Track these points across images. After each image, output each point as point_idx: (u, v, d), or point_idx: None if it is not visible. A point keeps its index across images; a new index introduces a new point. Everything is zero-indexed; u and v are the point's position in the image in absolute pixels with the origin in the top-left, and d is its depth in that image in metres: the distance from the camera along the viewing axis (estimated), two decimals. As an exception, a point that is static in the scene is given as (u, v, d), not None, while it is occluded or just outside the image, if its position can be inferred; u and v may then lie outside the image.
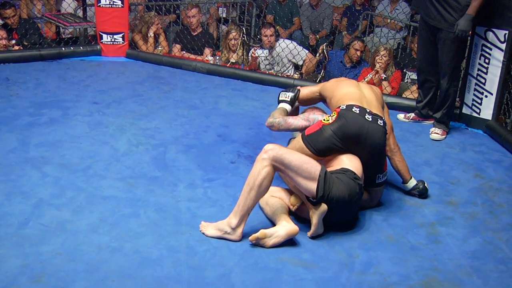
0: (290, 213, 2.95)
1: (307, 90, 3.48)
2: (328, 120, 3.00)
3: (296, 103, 3.50)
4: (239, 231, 2.76)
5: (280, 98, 3.48)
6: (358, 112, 2.96)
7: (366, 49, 6.48)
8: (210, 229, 2.81)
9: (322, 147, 2.98)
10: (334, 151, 2.99)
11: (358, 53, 5.68)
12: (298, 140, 3.06)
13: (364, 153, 2.97)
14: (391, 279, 2.60)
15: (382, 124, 2.99)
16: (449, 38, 4.10)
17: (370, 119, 2.96)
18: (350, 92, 3.12)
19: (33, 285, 2.37)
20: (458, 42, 4.10)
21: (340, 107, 3.02)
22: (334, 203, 2.77)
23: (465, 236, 3.00)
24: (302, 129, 3.22)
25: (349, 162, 2.93)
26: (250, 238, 2.72)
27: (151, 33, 6.13)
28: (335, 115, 2.99)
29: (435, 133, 4.33)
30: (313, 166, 2.79)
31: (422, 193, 3.36)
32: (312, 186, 2.75)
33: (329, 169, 2.91)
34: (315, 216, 2.77)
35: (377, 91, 3.30)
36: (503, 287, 2.61)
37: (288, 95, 3.45)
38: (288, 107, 3.42)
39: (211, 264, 2.60)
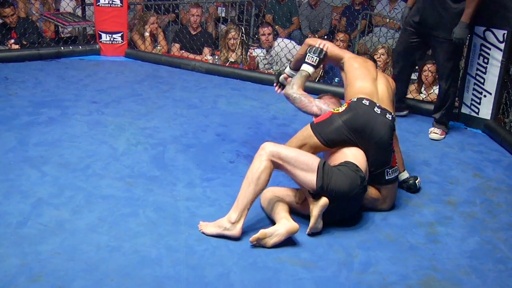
0: (292, 211, 2.95)
1: (334, 53, 3.38)
2: (338, 110, 3.04)
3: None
4: (239, 226, 2.76)
5: (307, 60, 3.35)
6: (367, 104, 3.03)
7: (365, 49, 6.48)
8: (209, 227, 2.81)
9: (330, 136, 3.00)
10: (342, 141, 3.00)
11: (341, 43, 5.69)
12: (306, 128, 3.08)
13: (370, 145, 2.99)
14: (390, 279, 2.60)
15: (390, 118, 3.04)
16: (446, 42, 4.12)
17: (379, 112, 3.02)
18: (363, 87, 3.15)
19: (31, 284, 2.36)
20: (454, 45, 4.12)
21: (351, 100, 3.08)
22: (334, 195, 2.77)
23: (464, 236, 3.00)
24: (311, 114, 3.28)
25: (353, 157, 2.94)
26: (250, 239, 2.72)
27: (146, 32, 6.13)
28: (346, 106, 3.05)
29: (434, 133, 4.33)
30: (310, 158, 2.83)
31: (410, 187, 3.40)
32: (311, 177, 2.76)
33: (331, 163, 2.92)
34: (316, 208, 2.78)
35: (392, 84, 3.35)
36: (501, 287, 2.61)
37: (315, 59, 3.34)
38: (312, 70, 3.36)
39: (210, 263, 2.60)
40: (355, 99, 3.07)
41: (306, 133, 3.05)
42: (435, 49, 4.28)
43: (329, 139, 3.00)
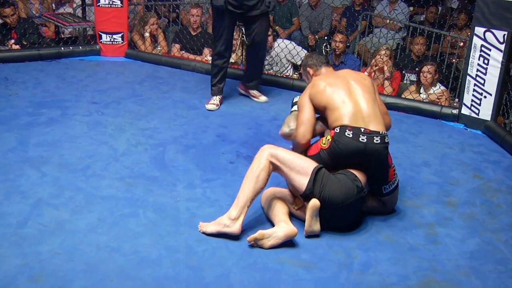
0: (291, 215, 2.95)
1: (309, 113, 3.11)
2: (325, 144, 2.96)
3: None
4: (238, 223, 2.76)
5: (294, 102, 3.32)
6: (351, 136, 2.87)
7: (365, 50, 6.49)
8: (209, 226, 2.82)
9: None
10: (336, 169, 2.96)
11: (339, 44, 5.70)
12: None
13: (365, 170, 2.95)
14: (389, 280, 2.60)
15: (379, 141, 2.89)
16: (265, 14, 4.61)
17: (365, 140, 2.87)
18: (345, 106, 2.93)
19: (32, 285, 2.36)
20: (267, 15, 4.68)
21: (335, 130, 2.92)
22: (328, 201, 2.77)
23: (464, 237, 3.00)
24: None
25: (354, 168, 2.93)
26: (248, 239, 2.72)
27: (146, 33, 6.13)
28: (330, 140, 2.93)
29: (262, 96, 4.92)
30: (307, 162, 2.84)
31: None
32: (305, 181, 2.78)
33: (331, 172, 2.91)
34: (308, 211, 2.78)
35: (368, 84, 3.06)
36: (501, 288, 2.62)
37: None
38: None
39: (210, 264, 2.60)
40: (338, 130, 2.90)
41: None
42: (255, 28, 4.60)
43: None
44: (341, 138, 2.88)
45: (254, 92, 4.96)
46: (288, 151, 2.92)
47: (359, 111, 2.94)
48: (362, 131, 2.88)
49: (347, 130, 2.88)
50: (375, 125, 2.93)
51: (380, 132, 2.92)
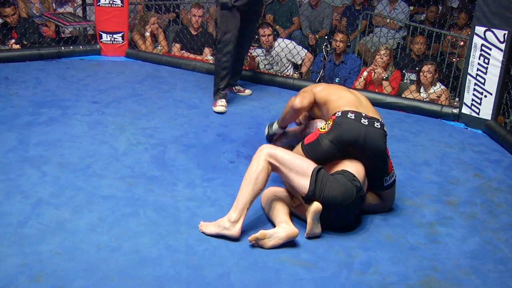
0: (291, 214, 2.95)
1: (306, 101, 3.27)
2: (325, 129, 2.97)
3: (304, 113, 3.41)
4: (238, 226, 2.76)
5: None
6: (353, 117, 2.94)
7: (366, 49, 6.48)
8: (209, 227, 2.82)
9: (320, 157, 2.96)
10: (334, 158, 2.98)
11: (340, 44, 5.69)
12: (298, 149, 3.08)
13: (365, 157, 2.96)
14: (390, 279, 2.60)
15: (379, 127, 2.97)
16: (260, 10, 4.85)
17: (366, 123, 2.93)
18: (345, 97, 3.09)
19: (32, 284, 2.37)
20: (261, 11, 4.82)
21: (336, 114, 2.98)
22: (328, 202, 2.77)
23: (464, 236, 3.00)
24: (300, 133, 3.28)
25: (351, 166, 2.92)
26: (249, 238, 2.72)
27: (147, 33, 6.13)
28: (331, 123, 2.96)
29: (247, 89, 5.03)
30: (306, 163, 2.84)
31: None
32: (305, 182, 2.77)
33: (328, 172, 2.91)
34: (309, 215, 2.78)
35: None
36: (502, 287, 2.61)
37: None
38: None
39: (210, 263, 2.60)
40: (340, 114, 2.97)
41: (300, 152, 3.04)
42: (250, 22, 4.62)
43: (320, 159, 2.96)
44: (343, 120, 2.94)
45: (238, 88, 4.99)
46: (287, 151, 2.91)
47: (360, 101, 3.10)
48: (364, 115, 2.98)
49: (349, 113, 2.97)
50: (375, 115, 3.06)
51: (380, 120, 3.03)
